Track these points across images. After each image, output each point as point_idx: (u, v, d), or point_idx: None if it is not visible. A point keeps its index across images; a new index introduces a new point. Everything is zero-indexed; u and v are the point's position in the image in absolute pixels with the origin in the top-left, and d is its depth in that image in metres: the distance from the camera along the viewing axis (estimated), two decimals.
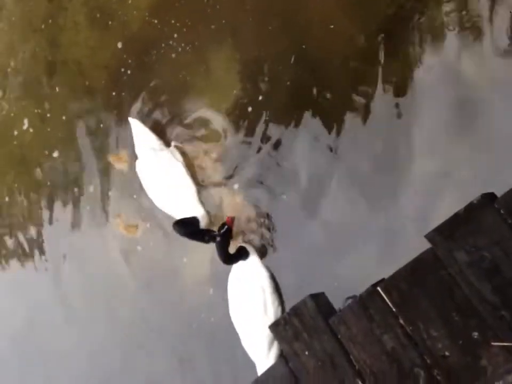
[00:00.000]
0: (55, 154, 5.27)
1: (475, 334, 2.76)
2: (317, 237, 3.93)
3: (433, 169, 3.52)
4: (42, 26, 5.41)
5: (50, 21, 5.37)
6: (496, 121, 3.37)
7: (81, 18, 5.21)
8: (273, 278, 4.02)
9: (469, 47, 3.52)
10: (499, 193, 2.81)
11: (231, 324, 3.99)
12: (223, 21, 4.51)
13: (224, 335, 4.16)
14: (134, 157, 4.64)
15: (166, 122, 4.71)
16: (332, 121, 3.96)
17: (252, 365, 3.86)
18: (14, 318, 5.41)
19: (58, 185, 5.24)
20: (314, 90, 4.07)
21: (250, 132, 4.32)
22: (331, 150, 3.95)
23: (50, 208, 5.30)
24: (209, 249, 4.19)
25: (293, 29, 4.20)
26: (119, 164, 4.78)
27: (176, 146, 4.55)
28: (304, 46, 4.12)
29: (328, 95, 4.03)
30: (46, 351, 5.23)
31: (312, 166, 4.03)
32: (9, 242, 5.58)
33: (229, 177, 4.39)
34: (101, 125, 5.02)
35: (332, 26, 4.06)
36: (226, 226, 3.93)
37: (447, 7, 3.62)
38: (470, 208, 2.78)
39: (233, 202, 4.35)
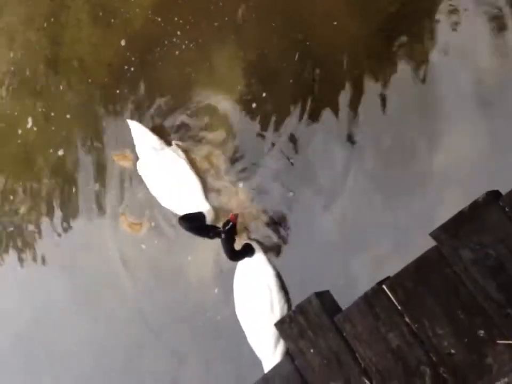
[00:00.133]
0: (60, 152, 5.27)
1: (481, 332, 2.75)
2: (323, 235, 3.94)
3: (438, 166, 3.53)
4: (45, 24, 5.41)
5: (52, 19, 5.38)
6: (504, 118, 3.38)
7: (83, 16, 5.21)
8: (279, 276, 4.03)
9: (473, 44, 3.52)
10: (504, 190, 2.80)
11: (236, 322, 4.01)
12: (226, 18, 4.52)
13: (230, 333, 4.17)
14: (137, 155, 4.65)
15: (169, 120, 4.72)
16: (335, 119, 3.97)
17: (257, 363, 3.88)
18: (18, 317, 5.43)
19: (62, 184, 5.25)
20: (318, 87, 4.08)
21: (255, 129, 4.33)
22: (335, 148, 3.96)
23: (54, 206, 5.31)
24: (214, 248, 4.22)
25: (296, 26, 4.20)
26: (123, 162, 4.79)
27: (177, 145, 4.56)
28: (308, 43, 4.13)
29: (332, 92, 4.03)
30: (51, 349, 5.24)
31: (317, 163, 4.04)
32: (13, 240, 5.60)
33: (234, 174, 4.40)
34: (104, 123, 5.03)
35: (335, 23, 4.07)
36: (230, 223, 3.93)
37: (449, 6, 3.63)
38: (475, 206, 2.78)
39: (238, 199, 4.35)
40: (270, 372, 3.39)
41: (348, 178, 3.88)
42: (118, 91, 4.98)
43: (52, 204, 5.32)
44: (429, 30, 3.67)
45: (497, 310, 2.72)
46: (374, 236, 3.69)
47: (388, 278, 3.03)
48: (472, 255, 2.78)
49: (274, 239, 4.16)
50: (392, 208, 3.64)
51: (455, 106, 3.53)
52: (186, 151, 4.54)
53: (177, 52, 4.72)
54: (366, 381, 2.97)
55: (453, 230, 2.82)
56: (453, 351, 2.80)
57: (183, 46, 4.69)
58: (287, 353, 3.34)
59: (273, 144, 4.23)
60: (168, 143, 4.59)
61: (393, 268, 3.01)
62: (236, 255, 4.03)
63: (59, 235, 5.26)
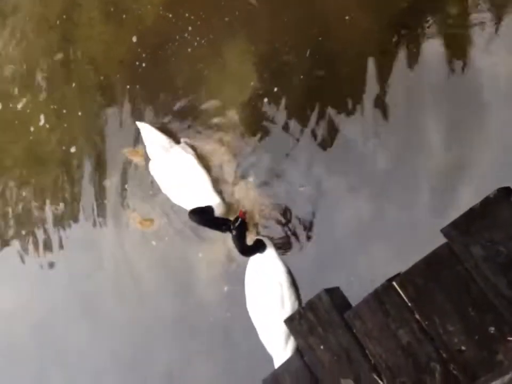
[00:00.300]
0: (72, 149, 5.31)
1: (491, 329, 2.73)
2: (334, 231, 3.94)
3: (449, 163, 3.50)
4: (58, 22, 5.45)
5: (64, 16, 5.41)
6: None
7: (95, 14, 5.24)
8: (289, 272, 4.03)
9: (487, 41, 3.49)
10: None
11: (246, 318, 4.02)
12: (237, 13, 4.51)
13: (240, 330, 4.20)
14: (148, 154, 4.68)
15: (180, 116, 4.74)
16: (346, 114, 3.96)
17: (268, 359, 3.90)
18: (32, 312, 5.49)
19: (74, 181, 5.29)
20: (330, 82, 4.06)
21: (266, 124, 4.32)
22: (345, 143, 3.95)
23: (66, 203, 5.36)
24: (225, 245, 4.24)
25: (308, 21, 4.19)
26: (135, 158, 4.83)
27: (186, 142, 4.58)
28: (320, 38, 4.11)
29: (343, 87, 4.01)
30: (63, 344, 5.32)
31: (330, 158, 4.04)
32: (26, 237, 5.65)
33: (244, 169, 4.41)
34: (117, 119, 5.06)
35: (347, 18, 4.05)
36: (240, 219, 3.94)
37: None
38: (486, 203, 2.74)
39: (249, 194, 4.36)
40: (279, 368, 3.40)
41: (359, 174, 3.87)
42: (128, 86, 5.01)
43: (64, 201, 5.37)
44: (441, 25, 3.64)
45: (508, 306, 2.69)
46: (385, 232, 3.68)
47: (398, 274, 3.01)
48: (483, 252, 2.75)
49: (286, 235, 4.17)
50: (403, 204, 3.63)
51: (466, 102, 3.51)
52: (195, 148, 4.56)
53: (188, 47, 4.74)
54: (376, 378, 2.97)
55: (464, 227, 2.79)
56: (463, 347, 2.78)
57: (194, 42, 4.70)
58: (297, 350, 3.36)
59: (284, 139, 4.23)
60: (177, 141, 4.61)
61: (404, 264, 3.01)
62: (247, 251, 4.05)
63: (71, 231, 5.32)
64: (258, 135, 4.35)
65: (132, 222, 4.90)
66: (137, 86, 4.99)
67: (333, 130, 4.01)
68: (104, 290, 5.03)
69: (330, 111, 4.04)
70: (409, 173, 3.66)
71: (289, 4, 4.30)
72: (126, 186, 4.99)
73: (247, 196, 4.36)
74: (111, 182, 5.06)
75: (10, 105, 5.70)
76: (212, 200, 4.30)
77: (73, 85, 5.33)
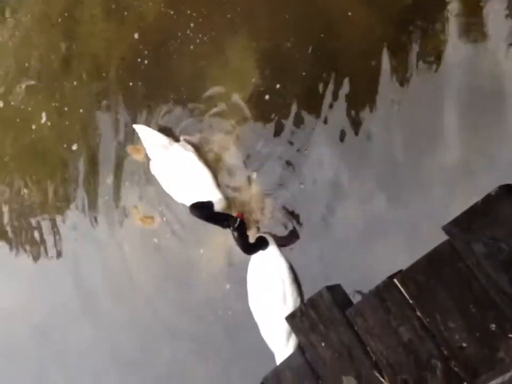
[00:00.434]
0: (74, 147, 5.31)
1: (492, 326, 2.74)
2: (336, 229, 3.94)
3: (451, 160, 3.50)
4: (59, 19, 5.43)
5: (66, 14, 5.40)
6: None
7: (97, 11, 5.22)
8: (292, 268, 4.03)
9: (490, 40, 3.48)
10: None
11: (248, 316, 4.02)
12: (239, 9, 4.50)
13: (241, 327, 4.20)
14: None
15: (181, 112, 4.73)
16: (348, 112, 3.95)
17: (269, 357, 3.90)
18: (33, 311, 5.48)
19: (76, 179, 5.29)
20: (332, 79, 4.05)
21: (268, 121, 4.32)
22: (347, 141, 3.94)
23: (68, 200, 5.36)
24: (226, 242, 4.24)
25: (310, 17, 4.17)
26: (137, 155, 4.81)
27: (185, 140, 4.59)
28: (322, 35, 4.10)
29: (346, 85, 4.01)
30: (64, 344, 5.31)
31: (330, 156, 4.03)
32: (26, 234, 5.66)
33: (246, 165, 4.41)
34: (118, 116, 5.06)
35: (350, 14, 4.04)
36: (238, 220, 3.92)
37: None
38: (488, 200, 2.75)
39: (250, 191, 4.37)
40: (281, 365, 3.42)
41: (360, 172, 3.87)
42: (131, 84, 5.00)
43: (65, 199, 5.37)
44: (445, 22, 3.63)
45: (509, 303, 2.70)
46: (387, 229, 3.68)
47: (400, 271, 3.02)
48: (485, 249, 2.76)
49: (287, 231, 4.17)
50: (405, 202, 3.63)
51: (468, 99, 3.50)
52: (195, 145, 4.57)
53: (190, 44, 4.71)
54: (377, 375, 2.98)
55: (466, 224, 2.81)
56: (464, 344, 2.80)
57: (196, 38, 4.68)
58: (299, 347, 3.36)
59: (286, 136, 4.23)
60: (176, 140, 4.62)
61: (406, 261, 3.01)
62: (249, 249, 4.04)
63: (72, 229, 5.32)
64: (259, 132, 4.34)
65: (133, 219, 4.91)
66: (139, 83, 4.98)
67: (333, 128, 4.01)
68: (104, 288, 5.02)
69: (334, 107, 4.03)
70: (412, 171, 3.66)
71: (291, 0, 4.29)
72: (127, 183, 4.99)
73: (249, 192, 4.37)
74: (112, 179, 5.05)
75: (12, 103, 5.70)
76: (213, 195, 4.31)
77: (75, 82, 5.32)
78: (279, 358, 3.79)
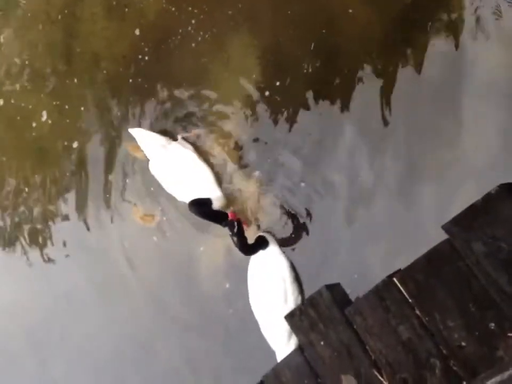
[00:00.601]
0: (75, 145, 5.31)
1: (492, 325, 2.74)
2: (337, 228, 3.94)
3: (451, 158, 3.49)
4: (59, 17, 5.42)
5: (66, 11, 5.38)
6: None
7: (98, 9, 5.21)
8: (293, 267, 4.03)
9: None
10: None
11: (248, 315, 4.03)
12: (240, 5, 4.49)
13: (242, 326, 4.20)
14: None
15: (182, 109, 4.73)
16: (349, 108, 3.95)
17: (269, 355, 3.90)
18: (36, 307, 5.49)
19: (77, 176, 5.29)
20: (332, 76, 4.05)
21: (267, 117, 4.32)
22: (348, 138, 3.93)
23: (68, 199, 5.36)
24: (226, 241, 4.23)
25: (312, 14, 4.17)
26: (137, 153, 4.81)
27: (183, 138, 4.59)
28: (324, 31, 4.09)
29: (346, 80, 4.00)
30: (66, 338, 5.32)
31: (331, 154, 4.03)
32: (28, 231, 5.68)
33: (246, 163, 4.41)
34: (119, 114, 5.05)
35: (351, 11, 4.02)
36: (235, 224, 3.87)
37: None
38: (488, 199, 2.74)
39: (250, 189, 4.37)
40: (280, 363, 3.42)
41: (362, 170, 3.87)
42: (131, 81, 5.00)
43: (66, 196, 5.37)
44: (444, 20, 3.61)
45: (509, 303, 2.70)
46: (387, 229, 3.68)
47: (399, 270, 3.02)
48: (485, 248, 2.75)
49: (288, 230, 4.16)
50: (405, 201, 3.63)
51: (470, 98, 3.48)
52: (194, 143, 4.57)
53: (191, 41, 4.71)
54: (376, 373, 2.98)
55: (465, 223, 2.80)
56: (463, 343, 2.80)
57: (197, 35, 4.68)
58: (299, 345, 3.36)
59: (286, 133, 4.22)
60: (174, 138, 4.62)
61: (405, 261, 3.00)
62: (249, 249, 4.02)
63: (72, 227, 5.31)
64: (260, 130, 4.34)
65: (133, 217, 4.91)
66: (140, 80, 4.97)
67: (337, 124, 4.01)
68: (104, 286, 5.04)
69: (335, 104, 4.03)
70: (412, 169, 3.65)
71: None
72: (128, 181, 4.99)
73: (249, 189, 4.36)
74: (113, 177, 5.05)
75: (12, 101, 5.70)
76: (212, 193, 4.31)
77: (75, 80, 5.31)
78: (280, 356, 3.79)
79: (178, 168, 4.42)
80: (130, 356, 4.91)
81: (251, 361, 4.16)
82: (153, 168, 4.59)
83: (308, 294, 3.74)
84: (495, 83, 3.40)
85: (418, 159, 3.63)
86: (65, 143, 5.34)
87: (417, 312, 2.92)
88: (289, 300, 3.88)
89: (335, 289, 3.25)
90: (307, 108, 4.13)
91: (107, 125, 5.11)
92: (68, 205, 5.34)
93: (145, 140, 4.63)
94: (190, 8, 4.73)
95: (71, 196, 5.32)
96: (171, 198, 4.54)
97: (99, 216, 5.13)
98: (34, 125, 5.53)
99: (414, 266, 2.94)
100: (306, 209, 4.10)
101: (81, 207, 5.25)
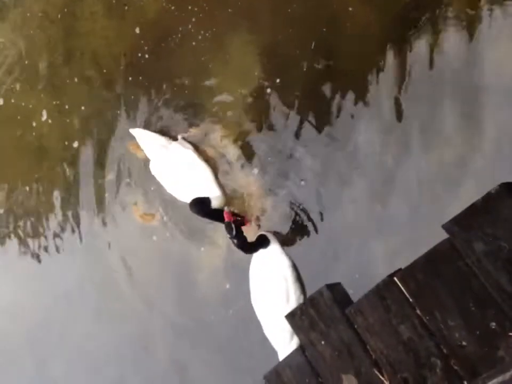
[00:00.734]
0: (75, 144, 5.31)
1: (492, 324, 2.73)
2: (339, 227, 3.94)
3: (451, 158, 3.48)
4: (59, 16, 5.42)
5: (66, 10, 5.38)
6: None
7: (97, 8, 5.20)
8: (295, 266, 4.03)
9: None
10: None
11: (248, 315, 4.03)
12: (239, 3, 4.48)
13: (242, 326, 4.21)
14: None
15: (182, 107, 4.73)
16: (349, 107, 3.94)
17: (270, 354, 3.91)
18: (35, 306, 5.52)
19: (77, 175, 5.30)
20: (332, 74, 4.04)
21: (268, 116, 4.31)
22: (347, 137, 3.93)
23: (68, 196, 5.37)
24: (226, 241, 4.23)
25: (312, 12, 4.16)
26: (138, 152, 4.82)
27: (183, 138, 4.59)
28: (324, 29, 4.09)
29: (344, 79, 4.00)
30: (65, 338, 5.35)
31: (332, 151, 4.03)
32: (28, 231, 5.67)
33: (246, 162, 4.40)
34: (120, 112, 5.05)
35: (351, 9, 4.01)
36: (232, 225, 3.82)
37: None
38: (488, 198, 2.73)
39: (251, 188, 4.36)
40: (281, 363, 3.41)
41: (360, 172, 3.87)
42: (131, 79, 4.99)
43: (66, 196, 5.38)
44: (445, 19, 3.60)
45: (509, 302, 2.69)
46: (387, 228, 3.68)
47: (400, 270, 3.01)
48: (485, 247, 2.74)
49: (290, 229, 4.16)
50: (405, 201, 3.63)
51: (466, 95, 3.48)
52: (194, 143, 4.56)
53: (191, 39, 4.71)
54: (377, 373, 2.98)
55: (466, 222, 2.79)
56: (464, 343, 2.79)
57: (197, 33, 4.68)
58: (300, 345, 3.36)
59: (286, 131, 4.21)
60: (174, 139, 4.62)
61: (406, 260, 3.00)
62: (249, 248, 4.01)
63: (73, 225, 5.33)
64: (260, 127, 4.34)
65: (134, 216, 4.91)
66: (140, 78, 4.97)
67: (334, 124, 4.01)
68: (104, 286, 5.05)
69: (334, 102, 4.02)
70: (412, 169, 3.65)
71: None
72: (128, 180, 4.99)
73: (249, 188, 4.36)
74: (113, 176, 5.06)
75: (12, 100, 5.69)
76: (212, 192, 4.32)
77: (76, 79, 5.31)
78: (282, 356, 3.79)
79: (178, 168, 4.43)
80: (130, 356, 4.91)
81: (252, 361, 4.17)
82: (154, 168, 4.60)
83: (309, 293, 3.73)
84: (495, 82, 3.39)
85: (418, 159, 3.62)
86: (66, 143, 5.35)
87: (418, 311, 2.91)
88: (291, 299, 3.88)
89: (335, 289, 3.24)
90: (307, 107, 4.12)
91: (108, 123, 5.12)
92: (67, 204, 5.35)
93: (146, 140, 4.64)
94: (190, 7, 4.72)
95: (70, 195, 5.33)
96: (171, 198, 4.55)
97: (99, 216, 5.14)
98: (34, 124, 5.54)
99: (415, 266, 2.93)
100: (306, 209, 4.10)
101: (81, 207, 5.26)
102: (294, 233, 4.15)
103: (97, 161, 5.16)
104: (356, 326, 3.07)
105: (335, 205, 3.96)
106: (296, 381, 3.24)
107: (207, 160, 4.47)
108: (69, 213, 5.35)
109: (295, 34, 4.22)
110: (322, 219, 4.03)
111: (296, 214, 4.14)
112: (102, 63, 5.17)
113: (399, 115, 3.73)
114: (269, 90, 4.31)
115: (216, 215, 4.12)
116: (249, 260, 4.08)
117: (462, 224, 2.79)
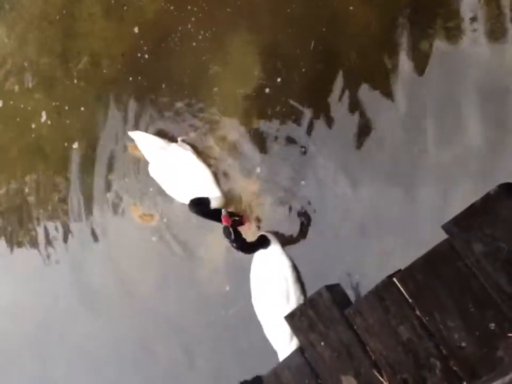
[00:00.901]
0: (75, 145, 5.31)
1: (492, 325, 2.73)
2: (336, 228, 3.94)
3: (450, 159, 3.48)
4: (58, 17, 5.41)
5: (64, 11, 5.37)
6: None
7: (96, 9, 5.20)
8: (295, 267, 4.03)
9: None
10: None
11: (249, 315, 4.03)
12: (239, 3, 4.47)
13: (242, 326, 4.21)
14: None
15: (182, 107, 4.73)
16: (347, 108, 3.94)
17: (271, 355, 3.91)
18: (37, 306, 5.53)
19: (77, 175, 5.30)
20: (332, 74, 4.03)
21: (267, 116, 4.31)
22: (345, 138, 3.92)
23: (68, 197, 5.38)
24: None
25: (312, 11, 4.15)
26: (137, 153, 4.81)
27: (183, 140, 4.59)
28: (324, 29, 4.08)
29: (344, 79, 3.99)
30: (66, 338, 5.36)
31: (329, 152, 4.02)
32: (28, 231, 5.67)
33: (246, 162, 4.40)
34: (119, 113, 5.05)
35: (351, 8, 4.01)
36: (230, 230, 3.80)
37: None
38: (487, 199, 2.73)
39: (251, 188, 4.36)
40: (280, 364, 3.41)
41: (360, 172, 3.86)
42: (131, 79, 4.99)
43: (65, 196, 5.38)
44: (444, 19, 3.59)
45: (509, 303, 2.69)
46: (387, 229, 3.68)
47: (399, 271, 3.01)
48: (484, 248, 2.74)
49: (290, 230, 4.15)
50: (404, 201, 3.63)
51: (470, 98, 3.47)
52: (193, 144, 4.56)
53: (190, 39, 4.71)
54: (377, 374, 2.98)
55: (465, 223, 2.78)
56: (463, 344, 2.78)
57: (197, 33, 4.68)
58: (300, 346, 3.36)
59: (286, 132, 4.21)
60: (174, 141, 4.61)
61: (406, 261, 3.00)
62: (249, 248, 4.01)
63: (72, 226, 5.35)
64: (260, 127, 4.33)
65: (132, 216, 4.91)
66: (139, 78, 4.97)
67: (335, 123, 4.00)
68: (104, 287, 5.05)
69: (334, 102, 4.01)
70: (411, 170, 3.65)
71: None
72: (127, 180, 5.00)
73: (249, 188, 4.36)
74: (112, 177, 5.07)
75: (11, 102, 5.69)
76: (212, 193, 4.32)
77: (75, 80, 5.31)
78: (282, 356, 3.79)
79: (178, 169, 4.43)
80: (130, 356, 4.92)
81: (252, 361, 4.17)
82: (153, 171, 4.60)
83: (310, 294, 3.73)
84: (495, 83, 3.39)
85: (418, 159, 3.62)
86: (65, 144, 5.35)
87: (417, 312, 2.91)
88: (292, 300, 3.89)
89: (335, 290, 3.23)
90: (307, 107, 4.11)
91: (107, 124, 5.12)
92: (66, 205, 5.35)
93: (145, 142, 4.64)
94: (189, 7, 4.72)
95: (70, 196, 5.34)
96: (171, 199, 4.55)
97: (98, 216, 5.16)
98: (33, 126, 5.54)
99: (414, 267, 2.93)
100: (306, 209, 4.09)
101: (80, 207, 5.27)
102: (294, 234, 4.14)
103: (96, 162, 5.16)
104: (355, 327, 3.06)
105: (336, 205, 3.96)
106: (295, 382, 3.24)
107: (207, 161, 4.47)
108: (69, 213, 5.35)
109: (294, 34, 4.21)
110: (322, 220, 4.02)
111: (296, 214, 4.13)
112: (101, 63, 5.17)
113: (399, 115, 3.73)
114: (268, 90, 4.30)
115: (216, 215, 4.12)
116: (249, 259, 4.08)
117: (461, 224, 2.79)
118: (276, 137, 4.27)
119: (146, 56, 4.94)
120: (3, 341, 5.71)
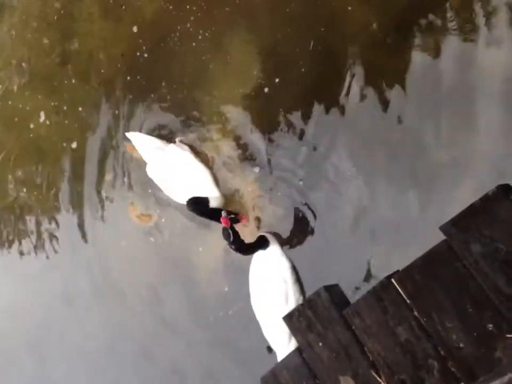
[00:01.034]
0: (74, 145, 5.31)
1: (490, 326, 2.73)
2: (338, 228, 3.94)
3: (448, 159, 3.48)
4: (56, 17, 5.41)
5: (63, 11, 5.37)
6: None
7: (95, 8, 5.19)
8: (294, 268, 4.03)
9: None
10: None
11: (247, 316, 4.03)
12: (238, 2, 4.47)
13: (241, 327, 4.21)
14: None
15: (181, 107, 4.73)
16: (345, 108, 3.94)
17: (270, 356, 3.92)
18: (36, 307, 5.52)
19: (76, 175, 5.30)
20: (330, 74, 4.04)
21: (266, 115, 4.31)
22: (345, 139, 3.93)
23: (66, 197, 5.38)
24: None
25: (311, 11, 4.16)
26: (135, 153, 4.81)
27: (181, 141, 4.59)
28: (322, 29, 4.08)
29: (342, 80, 3.98)
30: (66, 339, 5.35)
31: (329, 153, 4.02)
32: (28, 231, 5.68)
33: (245, 162, 4.40)
34: (117, 113, 5.05)
35: (350, 8, 4.01)
36: (229, 232, 3.77)
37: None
38: (485, 200, 2.73)
39: (250, 188, 4.36)
40: (278, 364, 3.40)
41: (360, 172, 3.86)
42: (129, 78, 4.99)
43: (64, 197, 5.38)
44: (442, 22, 3.59)
45: (507, 304, 2.69)
46: (387, 230, 3.68)
47: (397, 271, 3.01)
48: (482, 249, 2.74)
49: (289, 230, 4.16)
50: (403, 202, 3.63)
51: (470, 98, 3.47)
52: (191, 144, 4.56)
53: (189, 38, 4.71)
54: (375, 374, 2.98)
55: (463, 224, 2.79)
56: (461, 344, 2.79)
57: (196, 33, 4.68)
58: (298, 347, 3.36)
59: (286, 131, 4.21)
60: (172, 141, 4.61)
61: (404, 261, 3.00)
62: (248, 249, 4.01)
63: (71, 226, 5.33)
64: (259, 127, 4.34)
65: (130, 216, 4.91)
66: (138, 78, 4.97)
67: (333, 123, 4.01)
68: (103, 287, 5.05)
69: (333, 102, 4.01)
70: (411, 170, 3.64)
71: None
72: (125, 180, 4.99)
73: (248, 188, 4.36)
74: (110, 177, 5.07)
75: (10, 102, 5.69)
76: (210, 192, 4.32)
77: (73, 80, 5.31)
78: (281, 357, 3.77)
79: (176, 170, 4.42)
80: (129, 357, 4.92)
81: (251, 362, 4.17)
82: (151, 172, 4.60)
83: (309, 294, 3.73)
84: (495, 83, 3.39)
85: (418, 160, 3.62)
86: (64, 144, 5.35)
87: (415, 313, 2.91)
88: (291, 301, 3.88)
89: (333, 290, 3.23)
90: (307, 107, 4.11)
91: (106, 124, 5.12)
92: (65, 205, 5.36)
93: (143, 143, 4.63)
94: (188, 6, 4.72)
95: (68, 196, 5.34)
96: (169, 199, 4.55)
97: (97, 216, 5.15)
98: (32, 126, 5.54)
99: (412, 267, 2.93)
100: (305, 210, 4.09)
101: (79, 207, 5.27)
102: (293, 234, 4.14)
103: (95, 162, 5.16)
104: (353, 328, 3.06)
105: (335, 206, 3.96)
106: (293, 383, 3.23)
107: (205, 161, 4.47)
108: (68, 213, 5.35)
109: (294, 33, 4.21)
110: (322, 220, 4.02)
111: (296, 214, 4.13)
112: (100, 63, 5.16)
113: (398, 115, 3.73)
114: (267, 89, 4.30)
115: (214, 214, 4.12)
116: (249, 260, 4.08)
117: (460, 225, 2.79)
118: (275, 137, 4.26)
119: (145, 55, 4.93)
120: (3, 341, 5.72)
